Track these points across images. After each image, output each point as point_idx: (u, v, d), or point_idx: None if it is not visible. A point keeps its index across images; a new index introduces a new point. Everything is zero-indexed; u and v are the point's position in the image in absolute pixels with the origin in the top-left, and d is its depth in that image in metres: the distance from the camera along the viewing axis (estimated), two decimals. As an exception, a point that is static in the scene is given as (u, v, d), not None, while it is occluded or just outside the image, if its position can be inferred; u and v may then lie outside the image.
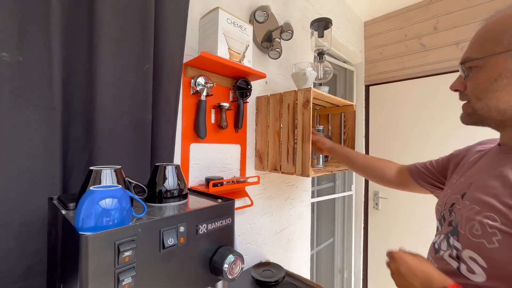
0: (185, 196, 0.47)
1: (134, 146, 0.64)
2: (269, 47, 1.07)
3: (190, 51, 0.84)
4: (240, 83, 0.94)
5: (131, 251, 0.30)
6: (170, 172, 0.46)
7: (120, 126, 0.61)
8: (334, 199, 2.12)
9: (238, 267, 0.40)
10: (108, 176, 0.39)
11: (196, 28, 0.88)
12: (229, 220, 0.43)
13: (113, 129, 0.60)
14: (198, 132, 0.83)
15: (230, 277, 0.39)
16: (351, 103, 1.21)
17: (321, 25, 1.18)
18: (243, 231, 1.04)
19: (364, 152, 2.15)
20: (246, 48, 0.88)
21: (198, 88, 0.83)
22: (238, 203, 1.00)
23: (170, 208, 0.43)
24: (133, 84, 0.63)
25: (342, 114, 1.28)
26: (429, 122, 1.82)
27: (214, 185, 0.79)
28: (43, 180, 0.48)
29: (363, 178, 2.15)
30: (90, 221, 0.29)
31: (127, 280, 0.30)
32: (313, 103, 1.23)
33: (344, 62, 2.10)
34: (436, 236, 0.56)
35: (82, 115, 0.58)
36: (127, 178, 0.42)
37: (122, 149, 0.61)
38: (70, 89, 0.56)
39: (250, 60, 0.90)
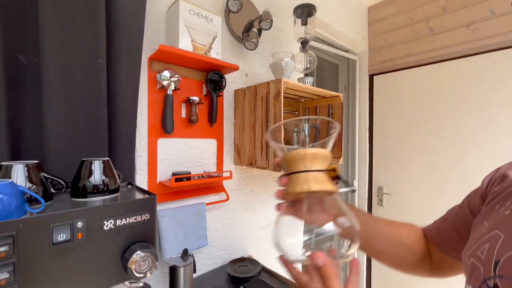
0: (114, 191, 0.47)
1: (90, 143, 0.64)
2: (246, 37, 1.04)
3: (157, 45, 0.83)
4: (211, 76, 0.92)
5: (6, 246, 0.30)
6: (95, 167, 0.46)
7: (73, 124, 0.62)
8: (335, 194, 2.05)
9: (147, 264, 0.39)
10: (19, 172, 0.39)
11: (163, 20, 0.87)
12: (147, 216, 0.42)
13: (64, 128, 0.60)
14: (164, 127, 0.82)
15: (137, 274, 0.38)
16: (338, 94, 1.14)
17: (304, 11, 1.12)
18: (221, 226, 1.03)
19: (367, 147, 2.04)
20: (214, 40, 0.85)
21: (163, 83, 0.82)
22: (213, 198, 0.99)
23: (90, 203, 0.43)
24: (85, 80, 0.63)
25: (330, 106, 1.21)
26: (438, 112, 1.68)
27: (177, 180, 0.78)
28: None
29: (366, 172, 2.06)
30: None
31: (2, 275, 0.29)
32: (297, 95, 1.18)
33: (346, 51, 2.00)
34: None
35: (32, 117, 0.59)
36: (43, 174, 0.42)
37: (76, 147, 0.62)
38: (15, 88, 0.57)
39: (219, 51, 0.87)
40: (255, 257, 1.08)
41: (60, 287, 0.34)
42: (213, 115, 0.95)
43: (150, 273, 0.40)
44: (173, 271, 0.74)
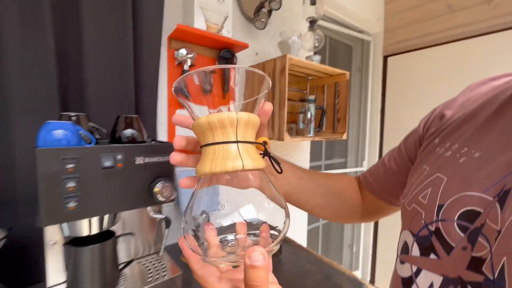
0: (142, 142, 0.59)
1: (120, 109, 0.77)
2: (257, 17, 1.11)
3: (174, 25, 0.93)
4: (223, 53, 1.01)
5: (73, 164, 0.43)
6: (128, 121, 0.58)
7: (106, 93, 0.75)
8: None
9: (168, 192, 0.51)
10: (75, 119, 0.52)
11: (180, 2, 0.96)
12: (167, 158, 0.54)
13: (100, 95, 0.73)
14: (182, 99, 0.94)
15: (160, 199, 0.51)
16: (343, 71, 1.19)
17: (313, -9, 1.16)
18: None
19: (379, 129, 2.06)
20: (225, 19, 0.94)
21: (180, 59, 0.92)
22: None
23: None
24: (115, 55, 0.75)
25: (337, 83, 1.27)
26: (452, 94, 1.66)
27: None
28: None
29: (376, 154, 2.09)
30: (45, 143, 0.42)
31: (70, 184, 0.42)
32: (305, 73, 1.25)
33: (360, 32, 1.99)
34: (402, 268, 0.31)
35: (76, 82, 0.72)
36: (90, 123, 0.54)
37: (108, 112, 0.75)
38: (65, 60, 0.70)
39: (230, 30, 0.96)
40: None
41: (105, 200, 0.47)
42: (225, 85, 1.04)
43: (170, 199, 0.52)
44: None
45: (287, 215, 0.24)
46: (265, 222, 0.23)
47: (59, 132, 0.44)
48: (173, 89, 0.25)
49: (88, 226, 0.48)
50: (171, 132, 0.95)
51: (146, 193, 0.52)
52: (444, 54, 1.68)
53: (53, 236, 0.52)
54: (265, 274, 0.18)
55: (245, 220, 0.23)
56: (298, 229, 1.51)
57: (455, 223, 0.25)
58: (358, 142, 2.14)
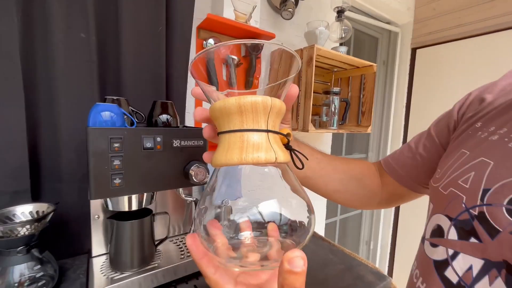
0: (175, 127, 0.62)
1: (152, 95, 0.81)
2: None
3: (204, 15, 0.95)
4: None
5: (119, 143, 0.46)
6: (164, 107, 0.61)
7: (140, 79, 0.78)
8: (363, 170, 2.08)
9: (202, 174, 0.53)
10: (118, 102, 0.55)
11: (209, -7, 0.97)
12: (201, 143, 0.56)
13: (135, 81, 0.77)
14: (209, 88, 0.96)
15: (195, 180, 0.53)
16: (371, 63, 1.16)
17: (342, -20, 1.13)
18: (253, 180, 1.18)
19: (403, 124, 1.99)
20: (253, 9, 0.94)
21: (209, 49, 0.94)
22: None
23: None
24: (149, 44, 0.79)
25: (363, 76, 1.24)
26: None
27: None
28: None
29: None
30: (95, 123, 0.46)
31: (116, 162, 0.46)
32: (330, 65, 1.23)
33: (387, 23, 1.91)
34: (435, 246, 0.31)
35: (114, 69, 0.76)
36: (130, 107, 0.58)
37: (142, 98, 0.79)
38: (105, 48, 0.74)
39: (257, 20, 0.96)
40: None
41: (145, 179, 0.50)
42: (250, 76, 1.05)
43: (203, 182, 0.54)
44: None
45: (312, 211, 0.21)
46: (291, 220, 0.21)
47: (107, 113, 0.47)
48: (191, 63, 0.22)
49: (128, 203, 0.52)
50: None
51: (181, 174, 0.54)
52: (480, 45, 1.58)
53: (97, 211, 0.57)
54: (304, 279, 0.17)
55: (263, 219, 0.20)
56: (316, 222, 1.51)
57: (504, 208, 0.24)
58: (380, 138, 2.08)
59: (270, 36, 1.00)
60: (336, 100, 1.19)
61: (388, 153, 2.10)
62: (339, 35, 1.18)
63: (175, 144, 0.53)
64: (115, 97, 0.55)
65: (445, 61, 1.75)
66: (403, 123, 2.01)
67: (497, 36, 1.50)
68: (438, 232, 0.32)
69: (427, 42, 1.86)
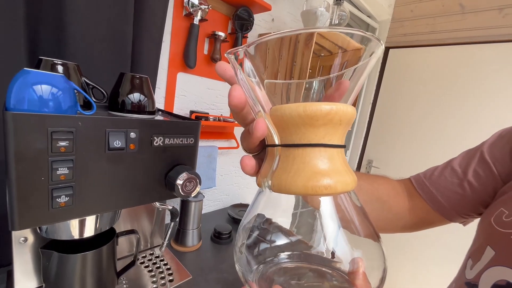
0: (152, 113, 0.45)
1: (112, 61, 0.59)
2: (281, -25, 0.93)
3: (186, -37, 0.73)
4: (240, 12, 0.84)
5: (66, 142, 0.28)
6: (136, 83, 0.42)
7: (95, 34, 0.55)
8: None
9: (193, 186, 0.39)
10: (62, 70, 0.35)
11: None
12: (192, 141, 0.41)
13: (86, 35, 0.54)
14: (187, 60, 0.77)
15: (183, 194, 0.39)
16: (361, 46, 1.09)
17: (347, -43, 1.01)
18: (226, 172, 1.06)
19: (367, 120, 2.07)
20: (251, -32, 0.76)
21: (191, 9, 0.74)
22: (223, 143, 0.99)
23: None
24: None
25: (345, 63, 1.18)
26: (447, 96, 1.65)
27: (197, 118, 0.76)
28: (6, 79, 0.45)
29: (360, 144, 2.13)
30: (19, 104, 0.27)
31: (62, 170, 0.28)
32: (322, 46, 1.13)
33: (368, 16, 1.88)
34: None
35: (52, 19, 0.52)
36: (84, 78, 0.38)
37: (97, 61, 0.57)
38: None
39: (254, -16, 0.78)
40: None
41: (110, 193, 0.34)
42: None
43: (193, 195, 0.40)
44: (184, 205, 0.77)
45: (381, 242, 0.18)
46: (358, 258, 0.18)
47: (44, 88, 0.28)
48: (250, 46, 0.16)
49: (79, 229, 0.35)
50: (169, 98, 0.79)
51: (161, 184, 0.39)
52: (448, 56, 1.67)
53: (23, 231, 0.38)
54: None
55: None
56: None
57: None
58: (346, 131, 2.14)
59: (265, 7, 0.84)
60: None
61: (351, 147, 2.18)
62: (334, 21, 1.08)
63: (157, 142, 0.37)
64: (58, 61, 0.35)
65: (414, 65, 1.82)
66: (368, 118, 2.08)
67: (466, 48, 1.60)
68: None
69: (400, 43, 1.90)
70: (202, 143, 0.91)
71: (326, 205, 0.18)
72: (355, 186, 0.17)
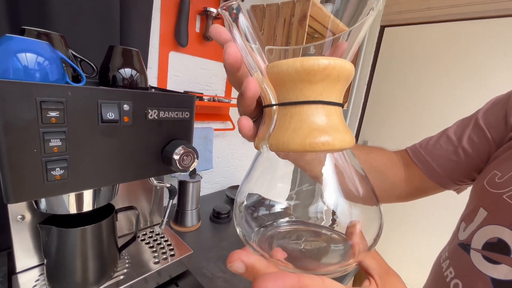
0: (145, 89, 0.43)
1: (99, 36, 0.57)
2: None
3: None
4: (232, -13, 0.80)
5: (57, 112, 0.27)
6: (127, 56, 0.41)
7: (79, 6, 0.53)
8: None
9: (190, 160, 0.39)
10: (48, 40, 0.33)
11: None
12: (187, 115, 0.40)
13: (70, 7, 0.51)
14: (178, 38, 0.74)
15: (180, 168, 0.38)
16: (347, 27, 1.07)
17: None
18: (223, 154, 1.05)
19: (362, 101, 2.07)
20: None
21: (180, -17, 0.70)
22: (219, 125, 0.98)
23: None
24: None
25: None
26: (444, 75, 1.64)
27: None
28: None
29: (356, 126, 2.14)
30: (6, 72, 0.26)
31: (54, 141, 0.27)
32: (314, 29, 1.10)
33: (363, -7, 1.83)
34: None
35: None
36: (71, 51, 0.37)
37: (83, 34, 0.54)
38: None
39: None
40: (251, 186, 1.14)
41: (106, 167, 0.33)
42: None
43: (190, 169, 0.40)
44: (182, 186, 0.77)
45: (379, 203, 0.18)
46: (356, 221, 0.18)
47: (29, 56, 0.27)
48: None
49: (77, 203, 0.35)
50: (162, 79, 0.77)
51: (157, 158, 0.39)
52: (444, 33, 1.65)
53: (20, 209, 0.37)
54: None
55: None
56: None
57: None
58: (341, 113, 2.14)
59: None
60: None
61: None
62: (329, -4, 1.05)
63: (151, 115, 0.36)
64: (41, 30, 0.33)
65: (411, 43, 1.80)
66: (362, 100, 2.08)
67: (462, 24, 1.58)
68: (499, 248, 0.28)
69: (396, 21, 1.87)
70: (197, 125, 0.90)
71: (327, 168, 0.18)
72: (353, 145, 0.17)
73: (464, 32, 1.57)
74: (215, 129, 0.94)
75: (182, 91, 0.82)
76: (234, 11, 0.17)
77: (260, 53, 0.18)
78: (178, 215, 0.79)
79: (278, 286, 0.14)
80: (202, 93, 0.81)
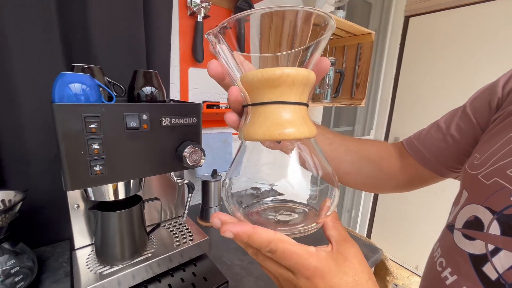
0: (162, 102, 0.53)
1: (129, 62, 0.69)
2: (278, -39, 0.96)
3: (186, -33, 0.80)
4: (240, 4, 0.90)
5: (96, 123, 0.37)
6: (147, 77, 0.51)
7: (114, 44, 0.66)
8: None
9: (198, 156, 0.47)
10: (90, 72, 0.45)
11: None
12: (195, 120, 0.49)
13: (107, 45, 0.65)
14: (195, 55, 0.85)
15: (190, 164, 0.47)
16: (370, 31, 1.08)
17: None
18: (244, 156, 1.13)
19: (390, 96, 1.99)
20: (245, -40, 0.80)
21: (194, 8, 0.81)
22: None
23: (146, 107, 0.49)
24: (123, 4, 0.65)
25: (359, 45, 1.17)
26: (483, 61, 1.50)
27: (208, 106, 0.84)
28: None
29: (385, 122, 2.05)
30: (62, 98, 0.37)
31: (95, 145, 0.38)
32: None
33: (382, -14, 1.79)
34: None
35: (80, 30, 0.63)
36: (106, 78, 0.48)
37: (117, 63, 0.67)
38: (65, 7, 0.60)
39: (250, -25, 0.83)
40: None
41: (132, 164, 0.43)
42: (240, 45, 0.95)
43: (200, 164, 0.48)
44: (205, 186, 0.86)
45: (337, 186, 0.23)
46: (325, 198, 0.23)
47: (77, 85, 0.38)
48: (218, 29, 0.21)
49: (114, 192, 0.45)
50: (184, 92, 0.89)
51: (173, 157, 0.48)
52: (472, 15, 1.53)
53: (76, 199, 0.49)
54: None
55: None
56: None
57: None
58: (368, 110, 2.08)
59: (263, -5, 0.88)
60: (331, 71, 1.13)
61: (374, 125, 2.12)
62: (336, -2, 1.08)
63: (165, 122, 0.45)
64: (85, 65, 0.45)
65: (438, 31, 1.70)
66: (390, 95, 2.00)
67: (491, 5, 1.45)
68: (475, 225, 0.29)
69: (421, 10, 1.78)
70: (216, 130, 0.99)
71: (293, 153, 0.23)
72: (310, 136, 0.21)
73: (494, 12, 1.44)
74: (233, 133, 1.02)
75: (201, 101, 0.93)
76: (215, 39, 0.22)
77: (237, 67, 0.23)
78: (203, 212, 0.88)
79: (235, 229, 0.20)
80: (219, 102, 0.91)
